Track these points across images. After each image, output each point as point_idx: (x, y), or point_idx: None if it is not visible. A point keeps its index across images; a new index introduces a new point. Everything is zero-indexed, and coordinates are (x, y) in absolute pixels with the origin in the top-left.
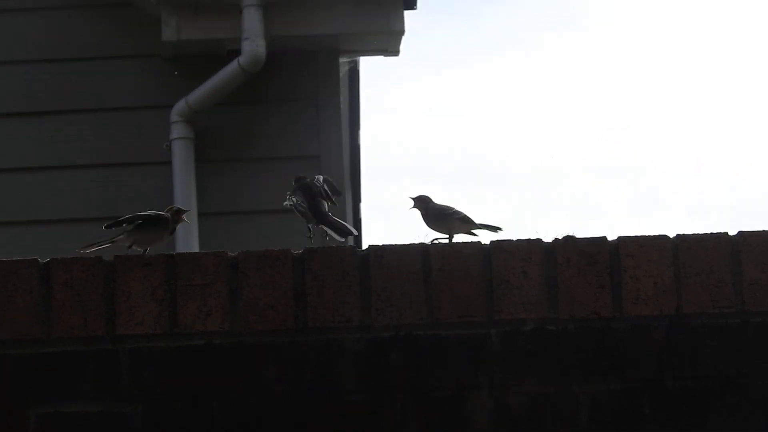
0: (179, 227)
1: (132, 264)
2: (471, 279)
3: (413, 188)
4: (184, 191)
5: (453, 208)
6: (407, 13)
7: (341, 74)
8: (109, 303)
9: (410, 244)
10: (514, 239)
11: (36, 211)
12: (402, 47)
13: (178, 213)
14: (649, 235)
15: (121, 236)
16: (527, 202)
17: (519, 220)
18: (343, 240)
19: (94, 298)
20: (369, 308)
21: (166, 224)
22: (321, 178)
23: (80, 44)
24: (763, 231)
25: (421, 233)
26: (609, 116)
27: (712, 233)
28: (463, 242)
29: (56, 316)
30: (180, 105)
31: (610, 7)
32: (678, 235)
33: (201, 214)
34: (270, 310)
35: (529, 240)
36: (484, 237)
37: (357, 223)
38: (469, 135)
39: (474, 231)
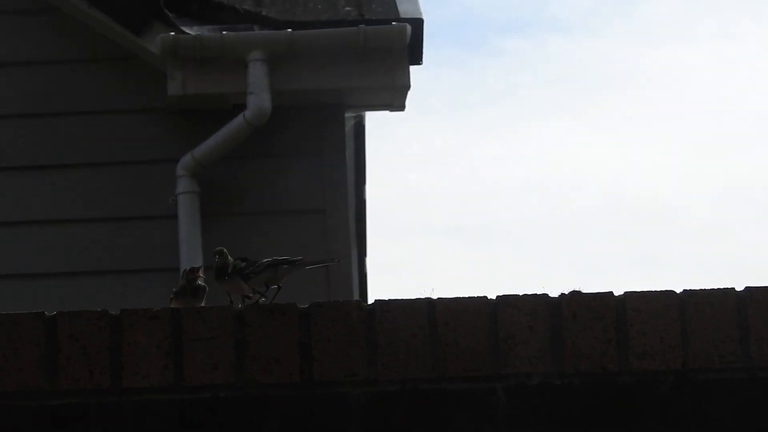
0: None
1: (138, 317)
2: (477, 333)
3: (418, 243)
4: (190, 245)
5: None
6: (413, 68)
7: (347, 129)
8: (115, 356)
9: (416, 299)
10: (521, 294)
11: (41, 264)
12: (408, 102)
13: (192, 272)
14: (655, 291)
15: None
16: (533, 259)
17: (524, 277)
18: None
19: (101, 351)
20: (375, 362)
21: (188, 290)
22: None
23: (85, 98)
24: None
25: (427, 288)
26: (612, 175)
27: (718, 288)
28: (469, 297)
29: (62, 369)
30: (186, 159)
31: (611, 66)
32: (685, 291)
33: (207, 268)
34: (276, 363)
35: (535, 295)
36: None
37: (362, 278)
38: (474, 190)
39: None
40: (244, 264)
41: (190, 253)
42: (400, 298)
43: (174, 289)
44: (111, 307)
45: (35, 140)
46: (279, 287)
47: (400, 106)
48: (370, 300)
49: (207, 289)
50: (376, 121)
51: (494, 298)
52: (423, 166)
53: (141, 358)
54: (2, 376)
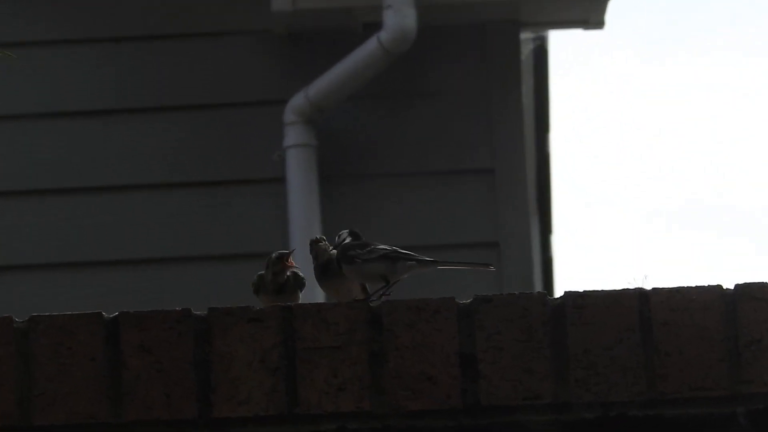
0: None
1: (234, 319)
2: (707, 337)
3: (623, 215)
4: (304, 217)
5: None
6: None
7: (523, 56)
8: (202, 373)
9: (623, 290)
10: None
11: (104, 248)
12: (607, 17)
13: (279, 261)
14: None
15: None
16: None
17: (760, 263)
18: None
19: (182, 367)
20: (565, 379)
21: (259, 288)
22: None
23: (165, 21)
24: None
25: (635, 276)
26: None
27: None
28: (696, 286)
29: (129, 392)
30: (297, 100)
31: None
32: None
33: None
34: (427, 382)
35: None
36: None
37: (546, 264)
38: (692, 149)
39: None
40: (356, 243)
41: (304, 229)
42: (599, 289)
43: (252, 282)
44: (198, 305)
45: (104, 78)
46: (390, 282)
47: (597, 23)
48: (558, 292)
49: (303, 282)
50: (563, 46)
51: (731, 288)
52: (625, 111)
53: (238, 376)
54: (46, 403)
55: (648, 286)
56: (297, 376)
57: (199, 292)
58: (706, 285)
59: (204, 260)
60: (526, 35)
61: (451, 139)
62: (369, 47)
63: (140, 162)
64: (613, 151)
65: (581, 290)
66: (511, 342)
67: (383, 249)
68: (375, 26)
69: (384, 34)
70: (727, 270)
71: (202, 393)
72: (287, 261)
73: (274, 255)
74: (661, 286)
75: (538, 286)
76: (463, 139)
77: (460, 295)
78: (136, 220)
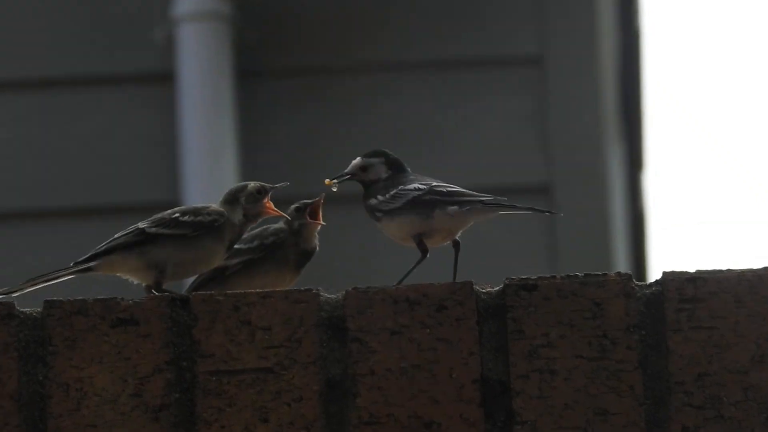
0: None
1: (88, 321)
2: None
3: (749, 143)
4: (206, 140)
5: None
6: None
7: None
8: (32, 416)
9: (764, 269)
10: None
11: None
12: None
13: (259, 197)
14: None
15: (115, 256)
16: None
17: None
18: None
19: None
20: (665, 425)
21: (218, 230)
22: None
23: None
24: None
25: None
26: None
27: None
28: None
29: None
30: None
31: None
32: None
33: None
34: (424, 430)
35: None
36: None
37: (635, 220)
38: None
39: None
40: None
41: (207, 160)
42: (723, 268)
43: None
44: (32, 299)
45: None
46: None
47: None
48: (653, 273)
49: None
50: None
51: None
52: None
53: (95, 421)
54: None
55: None
56: (198, 422)
57: (32, 268)
58: None
59: (44, 216)
60: None
61: (462, 5)
62: None
63: None
64: (746, 40)
65: (692, 271)
66: (571, 360)
67: (413, 189)
68: None
69: None
70: None
71: None
72: (265, 203)
73: (250, 186)
74: None
75: (619, 264)
76: (486, 5)
77: (482, 278)
78: None
